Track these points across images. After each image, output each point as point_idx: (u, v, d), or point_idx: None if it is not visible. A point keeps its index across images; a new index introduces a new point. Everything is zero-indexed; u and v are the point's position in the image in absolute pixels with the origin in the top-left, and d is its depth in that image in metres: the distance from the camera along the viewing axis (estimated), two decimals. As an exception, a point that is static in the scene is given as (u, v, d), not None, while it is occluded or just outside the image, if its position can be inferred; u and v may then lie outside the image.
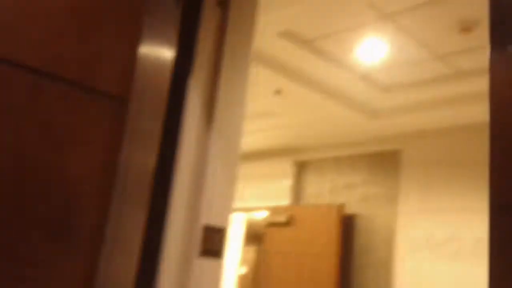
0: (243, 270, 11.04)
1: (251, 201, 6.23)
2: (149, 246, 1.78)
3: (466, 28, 3.00)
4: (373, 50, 3.49)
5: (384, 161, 5.20)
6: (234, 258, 8.78)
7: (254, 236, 9.82)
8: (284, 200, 5.87)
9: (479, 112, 4.03)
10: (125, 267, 1.58)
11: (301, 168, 5.91)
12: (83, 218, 1.42)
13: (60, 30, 1.37)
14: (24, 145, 1.29)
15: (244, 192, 6.20)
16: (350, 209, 5.30)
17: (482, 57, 3.37)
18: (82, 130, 1.44)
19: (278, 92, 4.18)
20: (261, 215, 6.19)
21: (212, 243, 1.94)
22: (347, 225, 5.25)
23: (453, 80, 3.84)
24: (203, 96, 1.98)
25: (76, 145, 1.41)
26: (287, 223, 5.51)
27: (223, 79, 2.08)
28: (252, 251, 11.97)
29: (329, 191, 5.61)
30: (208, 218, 1.95)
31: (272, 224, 5.67)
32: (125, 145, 1.56)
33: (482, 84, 3.67)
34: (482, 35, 3.09)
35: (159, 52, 1.70)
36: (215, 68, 2.06)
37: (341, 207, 5.21)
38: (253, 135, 5.48)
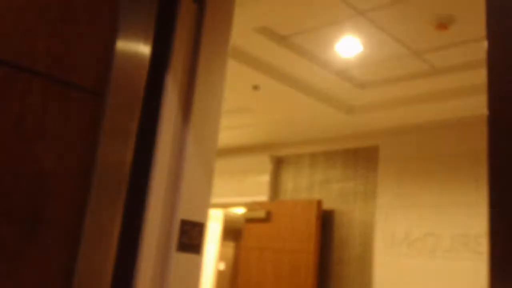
0: (222, 266, 11.07)
1: (229, 197, 6.23)
2: (127, 241, 1.78)
3: (442, 24, 3.04)
4: (349, 46, 3.52)
5: (361, 157, 5.25)
6: (212, 254, 8.79)
7: (233, 232, 9.85)
8: (262, 195, 5.89)
9: (456, 108, 4.10)
10: (103, 261, 1.58)
11: (279, 164, 5.93)
12: (58, 212, 1.42)
13: (32, 24, 1.37)
14: None
15: (222, 188, 6.21)
16: (328, 205, 5.33)
17: (458, 53, 3.43)
18: (56, 123, 1.43)
19: (255, 88, 4.20)
20: (240, 211, 6.20)
21: (190, 237, 1.94)
22: (325, 221, 5.28)
23: (429, 76, 3.88)
24: (179, 92, 1.98)
25: (50, 138, 1.40)
26: (265, 219, 5.53)
27: (200, 75, 2.09)
28: (230, 246, 12.00)
29: (306, 186, 5.64)
30: (185, 213, 1.96)
31: (250, 220, 5.69)
32: (101, 139, 1.56)
33: (459, 80, 3.74)
34: (458, 32, 3.14)
35: (135, 48, 1.70)
36: (192, 64, 2.06)
37: (319, 202, 5.25)
38: (231, 130, 5.49)
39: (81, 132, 1.54)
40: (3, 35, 1.31)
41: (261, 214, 5.54)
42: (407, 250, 4.60)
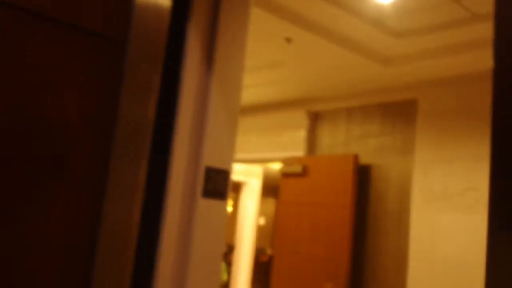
0: (262, 221, 11.23)
1: (266, 153, 6.26)
2: (153, 188, 1.81)
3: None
4: (383, -7, 3.42)
5: (398, 111, 5.15)
6: (253, 210, 8.92)
7: (272, 188, 9.94)
8: (299, 151, 5.88)
9: (494, 57, 3.95)
10: (129, 208, 1.62)
11: (315, 119, 5.89)
12: (82, 158, 1.45)
13: None
14: (14, 85, 1.30)
15: (260, 144, 6.23)
16: (365, 160, 5.29)
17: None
18: (79, 72, 1.45)
19: (288, 40, 4.13)
20: (278, 167, 6.22)
21: (215, 184, 1.97)
22: (362, 175, 5.25)
23: (470, 23, 3.73)
24: (202, 42, 1.97)
25: (73, 88, 1.42)
26: (302, 174, 5.54)
27: (222, 24, 2.07)
28: (270, 202, 12.13)
29: (343, 141, 5.60)
30: (210, 160, 1.98)
31: (287, 175, 5.71)
32: (124, 90, 1.58)
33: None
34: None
35: (155, -5, 1.70)
36: (214, 14, 2.04)
37: (355, 156, 5.21)
38: (265, 86, 5.46)
39: (104, 82, 1.56)
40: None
41: (297, 168, 5.55)
42: (445, 205, 4.54)
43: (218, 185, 1.98)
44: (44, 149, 1.38)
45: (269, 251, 11.01)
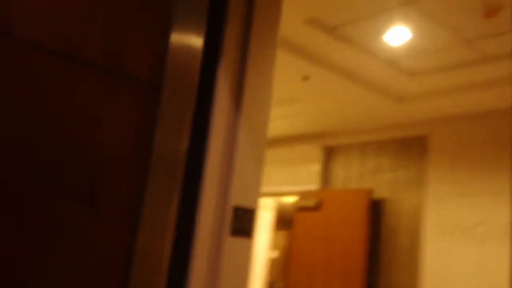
0: (274, 254, 11.18)
1: (281, 186, 6.32)
2: (183, 226, 1.87)
3: (491, 12, 3.01)
4: (398, 35, 3.53)
5: (411, 146, 5.22)
6: (264, 242, 8.91)
7: (285, 221, 9.94)
8: (313, 184, 5.94)
9: (507, 96, 4.03)
10: (161, 243, 1.67)
11: (329, 153, 5.97)
12: (117, 195, 1.51)
13: (88, 17, 1.45)
14: (58, 124, 1.38)
15: (274, 177, 6.30)
16: (378, 194, 5.34)
17: (508, 41, 3.37)
18: (114, 114, 1.53)
19: (305, 78, 4.25)
20: (291, 200, 6.28)
21: (242, 222, 2.03)
22: (375, 210, 5.29)
23: (479, 64, 3.83)
24: (231, 82, 2.05)
25: (109, 127, 1.50)
26: (316, 207, 5.59)
27: (250, 65, 2.15)
28: (283, 235, 12.10)
29: (356, 176, 5.66)
30: (238, 199, 2.05)
31: (301, 208, 5.76)
32: (158, 128, 1.66)
33: (509, 68, 3.68)
34: (507, 19, 3.10)
35: (189, 39, 1.78)
36: (243, 55, 2.13)
37: (369, 191, 5.26)
38: (282, 120, 5.56)
39: (138, 121, 1.63)
40: (61, 28, 1.40)
41: (312, 202, 5.60)
42: (458, 239, 4.57)
43: (245, 223, 2.04)
44: (82, 184, 1.44)
45: (281, 285, 10.94)
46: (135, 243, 1.58)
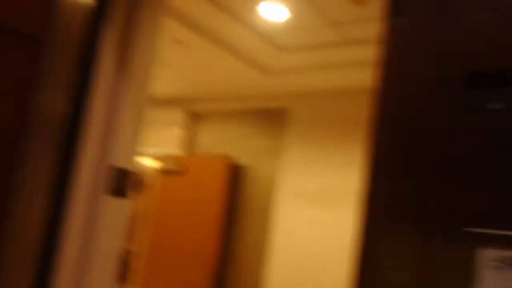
0: (132, 216, 11.08)
1: (144, 148, 6.26)
2: (59, 184, 1.84)
3: (359, 0, 3.27)
4: (273, 10, 3.67)
5: (273, 117, 5.50)
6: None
7: (144, 183, 9.88)
8: (174, 149, 6.00)
9: (362, 78, 4.40)
10: (36, 204, 1.65)
11: (194, 119, 6.05)
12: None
13: None
14: None
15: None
16: (239, 160, 5.58)
17: (370, 27, 3.68)
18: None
19: (177, 42, 4.25)
20: (152, 163, 6.28)
21: (118, 183, 2.05)
22: (237, 175, 5.53)
23: (342, 46, 4.14)
24: (116, 42, 2.03)
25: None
26: (178, 172, 5.67)
27: (136, 25, 2.14)
28: (142, 197, 11.97)
29: (220, 142, 5.83)
30: (114, 159, 2.05)
31: (164, 172, 5.81)
32: (39, 86, 1.61)
33: (367, 52, 4.01)
34: (374, 8, 3.38)
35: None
36: (129, 15, 2.11)
37: (229, 157, 5.47)
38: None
39: (19, 78, 1.56)
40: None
41: (174, 166, 5.68)
42: (305, 203, 5.00)
43: (121, 184, 2.06)
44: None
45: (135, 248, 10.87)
46: (8, 204, 1.54)
